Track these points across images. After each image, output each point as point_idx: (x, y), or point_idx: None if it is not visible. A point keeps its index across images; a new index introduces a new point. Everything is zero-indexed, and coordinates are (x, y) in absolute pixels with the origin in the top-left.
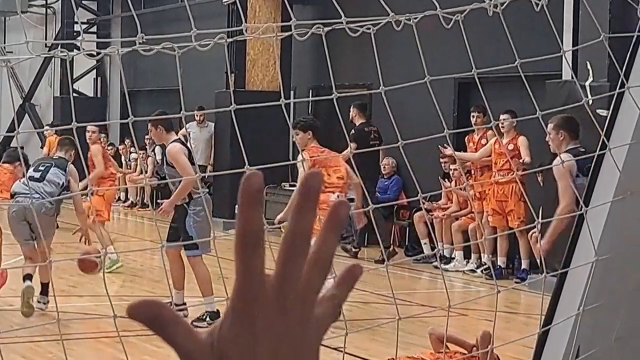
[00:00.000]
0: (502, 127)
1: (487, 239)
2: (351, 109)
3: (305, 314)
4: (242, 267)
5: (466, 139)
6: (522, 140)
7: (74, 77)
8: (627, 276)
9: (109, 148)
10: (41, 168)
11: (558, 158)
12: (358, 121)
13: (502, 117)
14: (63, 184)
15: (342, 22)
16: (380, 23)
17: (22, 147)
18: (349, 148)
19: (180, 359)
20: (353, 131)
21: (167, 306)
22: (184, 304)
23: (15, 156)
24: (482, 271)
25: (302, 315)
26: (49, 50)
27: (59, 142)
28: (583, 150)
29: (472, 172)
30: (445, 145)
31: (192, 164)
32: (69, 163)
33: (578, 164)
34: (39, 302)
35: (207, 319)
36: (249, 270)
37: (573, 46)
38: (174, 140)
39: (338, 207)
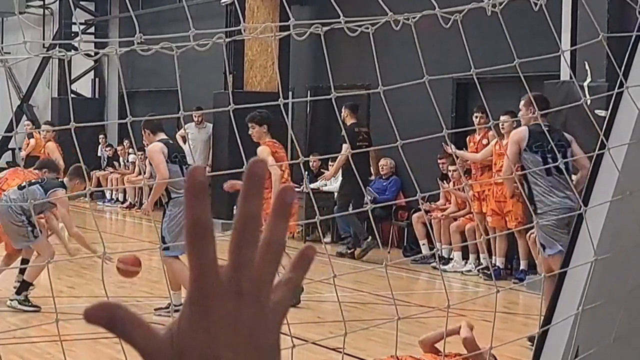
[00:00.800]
0: (502, 128)
1: (486, 240)
2: (343, 110)
3: (262, 301)
4: (195, 260)
5: (467, 139)
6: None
7: (72, 78)
8: (627, 276)
9: (107, 149)
10: (33, 180)
11: (517, 129)
12: (349, 121)
13: (502, 118)
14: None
15: (340, 22)
16: (378, 22)
17: (19, 149)
18: (343, 149)
19: (141, 357)
20: (344, 131)
21: (123, 306)
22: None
23: (45, 165)
24: (479, 271)
25: (258, 302)
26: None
27: (72, 169)
28: (546, 128)
29: (473, 172)
30: (447, 142)
31: (184, 164)
32: (58, 189)
33: (529, 142)
34: (10, 300)
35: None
36: (202, 262)
37: (571, 46)
38: (158, 140)
39: (283, 193)
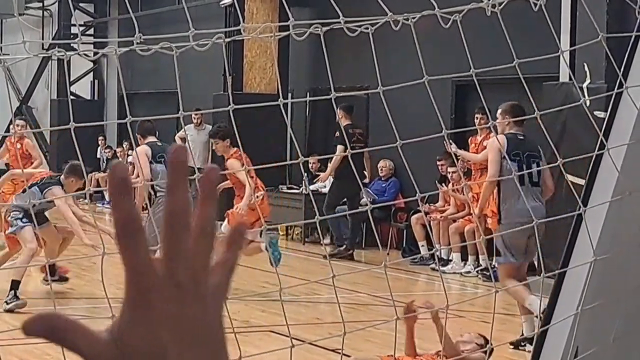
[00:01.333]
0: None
1: (485, 241)
2: (337, 111)
3: (201, 289)
4: (128, 259)
5: (469, 140)
6: None
7: (71, 79)
8: (626, 276)
9: (106, 151)
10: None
11: (497, 137)
12: (343, 122)
13: (500, 119)
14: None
15: (340, 22)
16: (378, 22)
17: None
18: (337, 150)
19: None
20: (338, 133)
21: (61, 315)
22: None
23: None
24: (478, 272)
25: (198, 290)
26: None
27: (68, 166)
28: (522, 138)
29: (473, 173)
30: (449, 142)
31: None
32: (54, 187)
33: (507, 149)
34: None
35: None
36: (135, 261)
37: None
38: (147, 143)
39: (208, 173)
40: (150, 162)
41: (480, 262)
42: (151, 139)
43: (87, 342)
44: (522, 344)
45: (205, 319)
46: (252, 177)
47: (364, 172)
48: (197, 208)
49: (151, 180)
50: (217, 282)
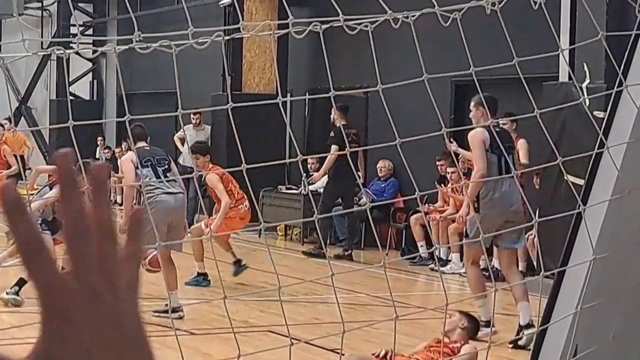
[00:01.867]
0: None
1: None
2: (333, 111)
3: (115, 289)
4: (36, 275)
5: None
6: (521, 144)
7: (70, 80)
8: (625, 275)
9: (105, 151)
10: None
11: (475, 130)
12: (338, 123)
13: (501, 121)
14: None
15: (339, 20)
16: (378, 21)
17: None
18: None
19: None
20: (332, 133)
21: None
22: (180, 305)
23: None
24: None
25: (112, 291)
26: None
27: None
28: (498, 129)
29: (473, 173)
30: (450, 140)
31: (160, 165)
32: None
33: (490, 141)
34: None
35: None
36: (44, 276)
37: (570, 49)
38: (137, 148)
39: (96, 172)
40: (137, 168)
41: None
42: (140, 144)
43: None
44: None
45: (125, 318)
46: (231, 190)
47: (358, 172)
48: (92, 206)
49: (140, 187)
50: (128, 279)
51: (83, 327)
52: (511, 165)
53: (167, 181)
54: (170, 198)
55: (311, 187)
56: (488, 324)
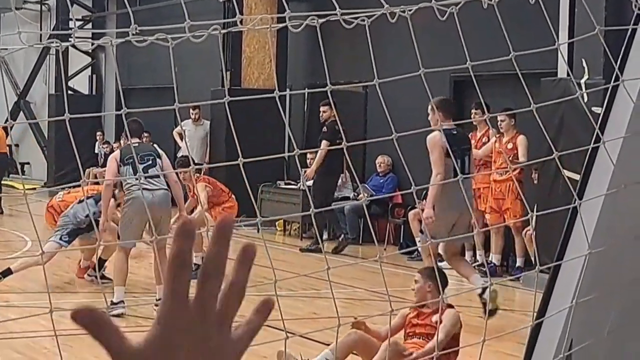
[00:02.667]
0: (500, 127)
1: (481, 237)
2: (321, 107)
3: (223, 333)
4: (170, 285)
5: (469, 135)
6: (520, 140)
7: (69, 74)
8: (621, 269)
9: (104, 146)
10: None
11: (433, 133)
12: (327, 117)
13: (499, 117)
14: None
15: (336, 14)
16: (374, 15)
17: (16, 145)
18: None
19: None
20: (325, 128)
21: (105, 314)
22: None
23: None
24: (475, 267)
25: (220, 333)
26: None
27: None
28: (455, 133)
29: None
30: None
31: (143, 162)
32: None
33: (449, 145)
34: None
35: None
36: (175, 288)
37: (569, 44)
38: (125, 145)
39: (247, 250)
40: (119, 165)
41: (477, 257)
42: (134, 140)
43: (117, 344)
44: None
45: (219, 356)
46: (221, 189)
47: (343, 167)
48: (234, 267)
49: (120, 183)
50: (239, 336)
51: (182, 347)
52: (466, 167)
53: (149, 177)
54: (147, 194)
55: (309, 183)
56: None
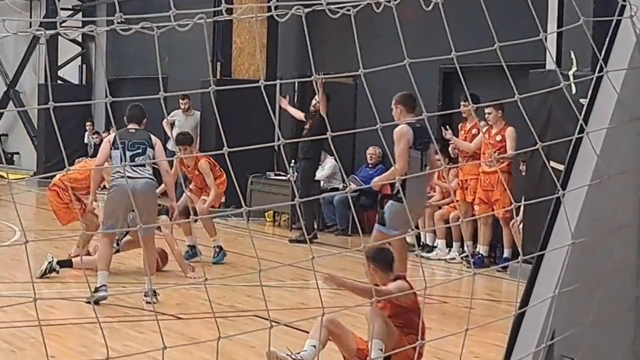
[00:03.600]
0: (487, 119)
1: (469, 228)
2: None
3: None
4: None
5: (459, 126)
6: (509, 132)
7: (59, 64)
8: (603, 260)
9: (94, 136)
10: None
11: (400, 126)
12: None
13: (486, 110)
14: None
15: (322, 4)
16: (360, 5)
17: (5, 135)
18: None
19: None
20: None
21: None
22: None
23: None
24: (462, 258)
25: None
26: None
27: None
28: (419, 125)
29: (460, 160)
30: (446, 127)
31: (130, 149)
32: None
33: (413, 138)
34: None
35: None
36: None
37: (557, 36)
38: (120, 130)
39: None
40: (111, 148)
41: (465, 249)
42: (131, 126)
43: None
44: None
45: None
46: (219, 176)
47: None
48: None
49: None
50: None
51: None
52: (425, 159)
53: (136, 166)
54: (129, 182)
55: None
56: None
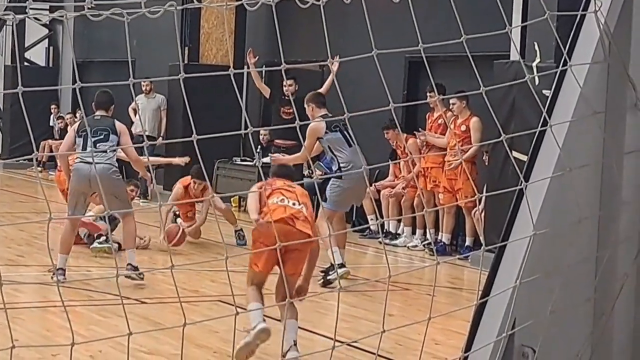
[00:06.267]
0: (452, 110)
1: (431, 216)
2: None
3: None
4: None
5: (427, 116)
6: (473, 123)
7: (26, 46)
8: (564, 251)
9: (58, 121)
10: None
11: (314, 123)
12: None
13: (451, 101)
14: None
15: None
16: None
17: None
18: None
19: None
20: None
21: None
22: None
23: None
24: (424, 246)
25: None
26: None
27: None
28: (330, 115)
29: (424, 149)
30: (419, 129)
31: (94, 136)
32: None
33: (327, 124)
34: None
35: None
36: None
37: (522, 28)
38: (86, 117)
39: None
40: (76, 136)
41: (427, 236)
42: (98, 112)
43: None
44: (330, 272)
45: None
46: None
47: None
48: None
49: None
50: None
51: None
52: (351, 140)
53: (97, 151)
54: (85, 167)
55: (264, 160)
56: (340, 266)
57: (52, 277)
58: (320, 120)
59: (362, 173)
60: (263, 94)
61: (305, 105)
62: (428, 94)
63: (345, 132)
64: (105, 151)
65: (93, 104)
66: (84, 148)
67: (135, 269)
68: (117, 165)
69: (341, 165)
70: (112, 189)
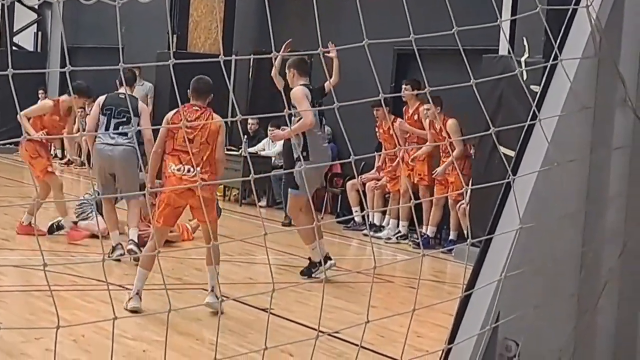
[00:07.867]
0: (427, 115)
1: (408, 209)
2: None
3: None
4: None
5: (404, 109)
6: (450, 125)
7: (14, 30)
8: (549, 246)
9: None
10: None
11: (297, 87)
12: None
13: (425, 106)
14: None
15: None
16: None
17: None
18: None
19: None
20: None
21: None
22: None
23: None
24: (408, 238)
25: None
26: None
27: None
28: (311, 88)
29: (405, 143)
30: (408, 128)
31: (116, 117)
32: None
33: (311, 93)
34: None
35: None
36: None
37: (511, 22)
38: (112, 94)
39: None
40: (100, 112)
41: (400, 228)
42: (122, 90)
43: None
44: (313, 270)
45: None
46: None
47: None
48: None
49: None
50: None
51: None
52: (322, 119)
53: (117, 133)
54: (107, 148)
55: (250, 149)
56: (321, 263)
57: (109, 256)
58: (303, 87)
59: (327, 158)
60: (277, 86)
61: (287, 70)
62: (404, 87)
63: (321, 115)
64: (126, 134)
65: (117, 81)
66: (107, 128)
67: (137, 245)
68: (137, 148)
69: (310, 148)
70: (130, 173)
